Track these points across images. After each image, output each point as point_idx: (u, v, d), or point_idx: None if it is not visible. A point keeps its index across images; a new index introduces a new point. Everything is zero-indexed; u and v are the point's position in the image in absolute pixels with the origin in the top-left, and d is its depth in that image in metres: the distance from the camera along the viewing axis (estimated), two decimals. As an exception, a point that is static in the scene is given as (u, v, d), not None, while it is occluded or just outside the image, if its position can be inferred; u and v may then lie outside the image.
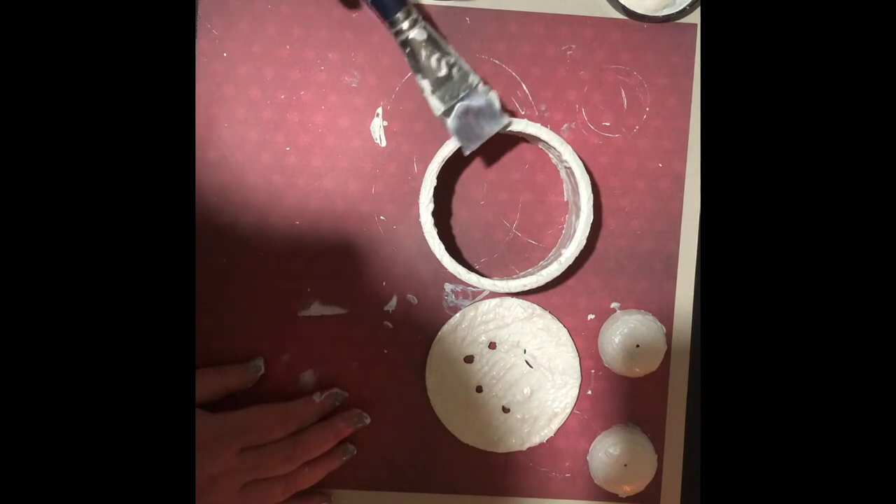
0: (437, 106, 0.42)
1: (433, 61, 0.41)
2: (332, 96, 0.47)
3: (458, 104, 0.42)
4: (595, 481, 0.49)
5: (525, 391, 0.49)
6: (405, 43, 0.41)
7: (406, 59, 0.42)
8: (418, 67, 0.42)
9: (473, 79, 0.42)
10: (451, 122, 0.42)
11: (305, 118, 0.47)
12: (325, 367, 0.49)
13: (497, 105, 0.42)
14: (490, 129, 0.43)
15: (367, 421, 0.48)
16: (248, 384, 0.47)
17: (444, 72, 0.41)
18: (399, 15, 0.41)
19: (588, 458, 0.50)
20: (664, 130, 0.48)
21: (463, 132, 0.42)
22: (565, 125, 0.48)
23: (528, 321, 0.49)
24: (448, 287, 0.49)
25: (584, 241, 0.45)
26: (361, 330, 0.48)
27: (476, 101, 0.42)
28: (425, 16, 0.44)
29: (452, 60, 0.41)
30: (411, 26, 0.41)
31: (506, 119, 0.43)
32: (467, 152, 0.43)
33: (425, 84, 0.42)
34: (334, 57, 0.47)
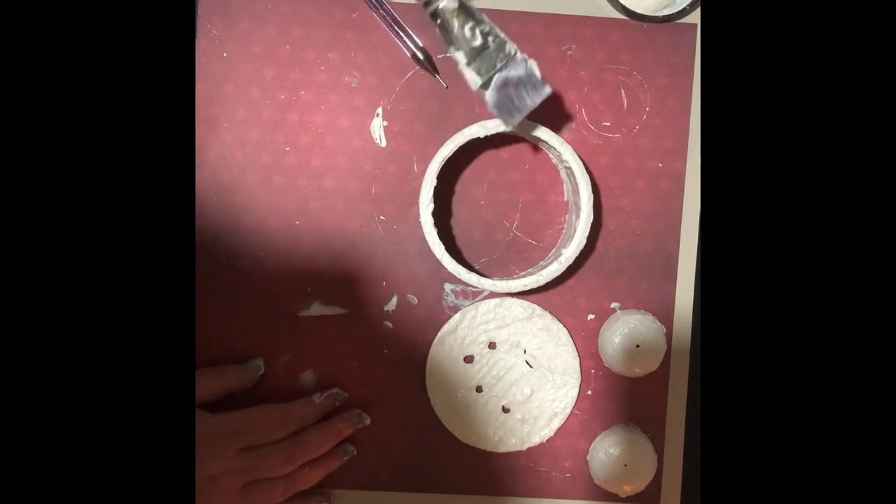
0: (473, 79, 0.39)
1: (466, 31, 0.38)
2: (332, 96, 0.47)
3: (497, 75, 0.39)
4: (595, 481, 0.49)
5: (525, 391, 0.49)
6: (435, 14, 0.39)
7: (437, 33, 0.40)
8: (451, 38, 0.39)
9: (510, 47, 0.39)
10: (489, 95, 0.40)
11: (305, 118, 0.47)
12: (325, 367, 0.49)
13: (538, 74, 0.40)
14: (532, 101, 0.40)
15: (367, 422, 0.48)
16: (248, 384, 0.47)
17: (478, 41, 0.39)
18: None
19: (588, 458, 0.50)
20: (664, 130, 0.48)
21: (503, 105, 0.40)
22: (565, 125, 0.48)
23: (528, 321, 0.49)
24: (448, 287, 0.48)
25: (584, 241, 0.45)
26: (361, 330, 0.48)
27: (515, 72, 0.39)
28: None
29: (487, 29, 0.39)
30: None
31: (548, 89, 0.40)
32: (510, 127, 0.41)
33: (459, 56, 0.39)
34: (334, 57, 0.47)
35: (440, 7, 0.39)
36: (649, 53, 0.48)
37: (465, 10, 0.39)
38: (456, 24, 0.39)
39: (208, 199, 0.47)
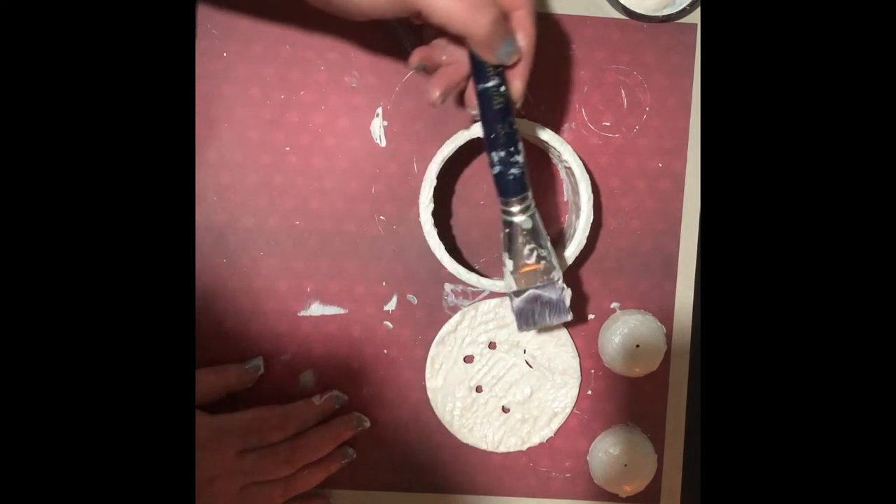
0: (510, 284, 0.42)
1: (527, 249, 0.41)
2: (332, 96, 0.47)
3: (531, 290, 0.42)
4: (595, 481, 0.49)
5: (525, 391, 0.49)
6: (507, 223, 0.41)
7: (501, 235, 0.41)
8: (510, 249, 0.41)
9: (556, 274, 0.42)
10: (516, 302, 0.42)
11: (305, 118, 0.47)
12: (325, 367, 0.48)
13: (568, 303, 0.42)
14: (552, 321, 0.43)
15: (367, 425, 0.48)
16: (248, 384, 0.47)
17: (531, 261, 0.41)
18: (513, 199, 0.40)
19: (588, 458, 0.50)
20: (664, 130, 0.48)
21: (523, 315, 0.43)
22: (565, 125, 0.48)
23: (528, 321, 0.49)
24: (448, 287, 0.48)
25: (584, 241, 0.45)
26: (361, 330, 0.48)
27: (548, 293, 0.42)
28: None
29: (545, 254, 0.41)
30: (520, 213, 0.40)
31: (569, 316, 0.43)
32: (520, 331, 0.44)
33: (509, 263, 0.41)
34: (334, 57, 0.47)
35: (514, 221, 0.40)
36: (649, 53, 0.48)
37: (535, 233, 0.41)
38: (521, 240, 0.41)
39: (208, 199, 0.47)
